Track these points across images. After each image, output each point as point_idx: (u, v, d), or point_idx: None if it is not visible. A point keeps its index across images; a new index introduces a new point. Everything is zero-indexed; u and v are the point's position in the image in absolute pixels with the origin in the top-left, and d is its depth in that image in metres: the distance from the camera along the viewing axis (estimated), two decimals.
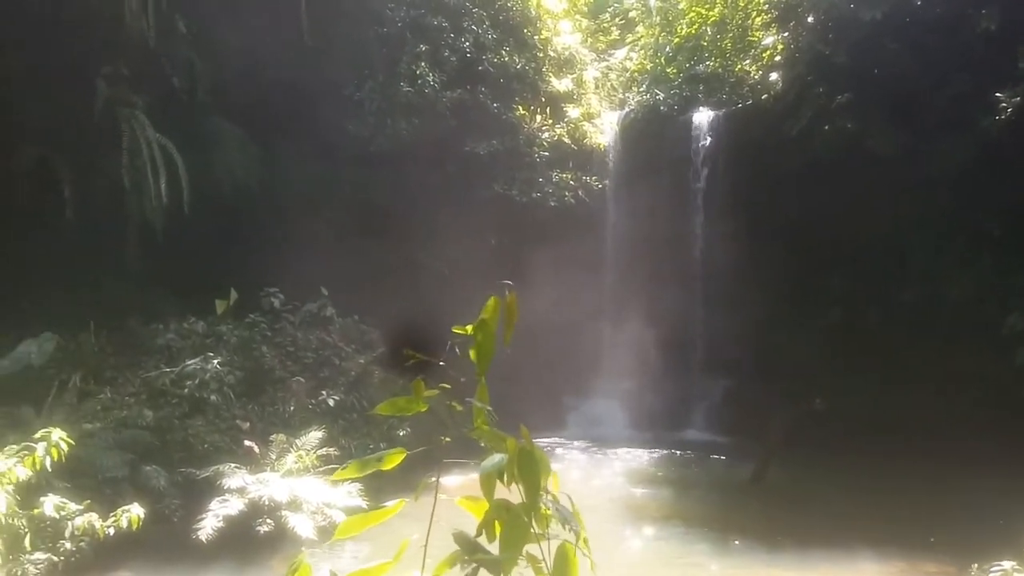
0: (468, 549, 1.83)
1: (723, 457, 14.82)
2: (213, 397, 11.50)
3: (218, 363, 12.06)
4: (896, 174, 14.63)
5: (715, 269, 17.53)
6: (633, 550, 9.55)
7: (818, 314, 16.14)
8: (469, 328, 2.08)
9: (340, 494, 9.31)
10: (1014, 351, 12.81)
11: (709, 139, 18.57)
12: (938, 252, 14.72)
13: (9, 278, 12.49)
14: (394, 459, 2.04)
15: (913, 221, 14.84)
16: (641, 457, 15.21)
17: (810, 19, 16.89)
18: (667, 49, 21.55)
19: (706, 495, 12.46)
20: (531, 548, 1.83)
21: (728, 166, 17.91)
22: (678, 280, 18.03)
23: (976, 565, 6.50)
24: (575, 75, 20.57)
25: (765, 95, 18.12)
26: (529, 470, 1.65)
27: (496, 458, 1.70)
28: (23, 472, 5.88)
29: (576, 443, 16.04)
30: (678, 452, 15.42)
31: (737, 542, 9.58)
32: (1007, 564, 5.33)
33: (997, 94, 13.54)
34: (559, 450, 15.72)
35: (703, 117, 18.89)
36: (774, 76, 18.05)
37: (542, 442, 15.87)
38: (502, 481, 1.84)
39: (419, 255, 17.20)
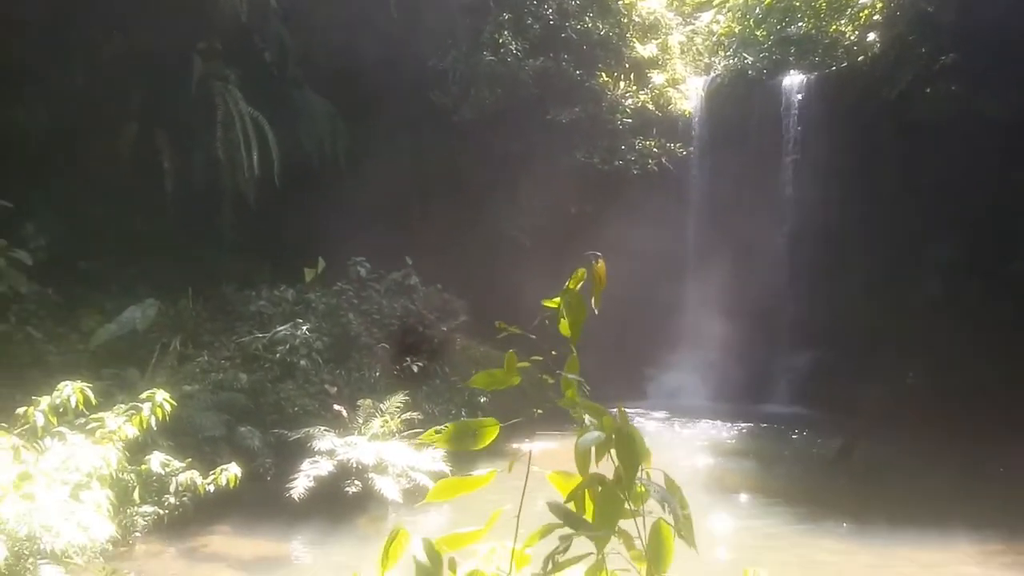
0: (566, 520, 1.84)
1: (808, 431, 14.45)
2: (303, 362, 11.90)
3: (307, 329, 12.45)
4: (1005, 138, 13.76)
5: (804, 238, 16.98)
6: (709, 522, 9.47)
7: (916, 285, 15.43)
8: (556, 302, 2.07)
9: (425, 458, 9.53)
10: None
11: (800, 104, 17.87)
12: None
13: (117, 249, 13.23)
14: (488, 435, 2.05)
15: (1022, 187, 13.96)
16: (722, 430, 14.99)
17: None
18: (756, 11, 20.73)
19: (791, 469, 12.20)
20: (625, 525, 1.83)
21: (820, 131, 17.19)
22: (765, 249, 17.53)
23: None
24: (660, 40, 20.05)
25: (861, 57, 17.28)
26: (628, 450, 1.65)
27: (593, 435, 1.70)
28: (131, 430, 6.24)
29: (656, 414, 15.93)
30: (761, 425, 15.12)
31: (814, 514, 9.36)
32: None
33: None
34: (638, 420, 15.63)
35: (794, 80, 18.18)
36: (871, 36, 17.18)
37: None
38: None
39: (501, 224, 17.26)
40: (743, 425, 15.16)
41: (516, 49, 17.63)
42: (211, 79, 14.27)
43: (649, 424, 15.45)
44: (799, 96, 17.93)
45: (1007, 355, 13.26)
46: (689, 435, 14.62)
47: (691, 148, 18.64)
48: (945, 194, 14.70)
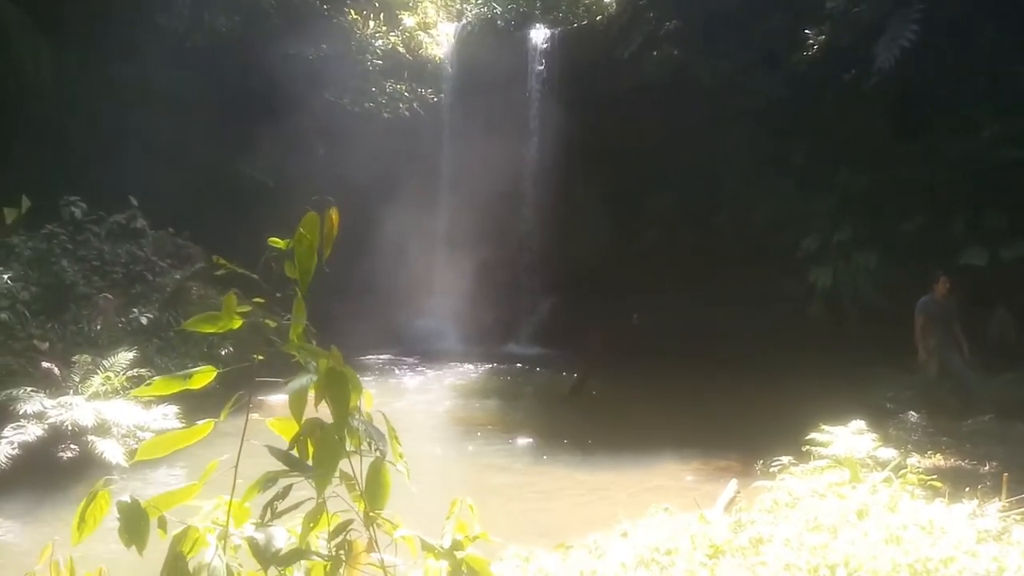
0: (287, 464, 1.76)
1: (547, 370, 15.51)
2: (4, 315, 10.40)
3: (9, 278, 10.88)
4: (714, 104, 15.38)
5: (547, 190, 17.89)
6: (454, 457, 9.87)
7: (638, 235, 17.01)
8: (283, 242, 1.95)
9: (155, 416, 8.83)
10: (807, 271, 14.21)
11: (545, 57, 18.60)
12: (747, 180, 15.82)
13: None
14: (203, 377, 1.91)
15: (728, 148, 15.78)
16: (470, 371, 15.60)
17: None
18: None
19: (529, 405, 13.05)
20: (346, 466, 1.80)
21: (562, 86, 18.08)
22: (512, 200, 18.24)
23: (761, 461, 7.28)
24: None
25: (600, 16, 18.31)
26: (338, 389, 1.60)
27: (304, 378, 1.62)
28: None
29: (407, 359, 16.17)
30: (506, 366, 15.96)
31: (553, 446, 10.14)
32: (785, 459, 5.99)
33: (806, 31, 14.49)
34: (391, 366, 15.78)
35: (540, 35, 18.85)
36: None
37: (374, 358, 15.85)
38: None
39: (240, 164, 16.18)
40: (490, 366, 15.89)
41: None
42: None
43: (401, 369, 15.63)
44: (544, 50, 18.65)
45: (714, 299, 15.13)
46: (438, 377, 15.02)
47: (443, 95, 18.71)
48: (665, 152, 16.21)
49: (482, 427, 11.25)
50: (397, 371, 15.46)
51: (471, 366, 15.83)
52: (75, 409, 8.61)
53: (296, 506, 1.81)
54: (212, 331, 1.99)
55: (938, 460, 8.21)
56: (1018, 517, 4.54)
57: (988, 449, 8.34)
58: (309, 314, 1.92)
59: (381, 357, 16.10)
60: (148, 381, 1.92)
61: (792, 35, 14.58)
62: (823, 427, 5.88)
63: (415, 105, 17.90)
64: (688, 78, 15.41)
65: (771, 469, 6.16)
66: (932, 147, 13.05)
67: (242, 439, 1.86)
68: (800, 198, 14.88)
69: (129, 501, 1.69)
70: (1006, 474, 5.37)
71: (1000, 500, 4.77)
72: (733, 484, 6.64)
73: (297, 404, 1.62)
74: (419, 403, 13.13)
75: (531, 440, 10.56)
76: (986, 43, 12.54)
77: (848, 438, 5.68)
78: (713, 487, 7.32)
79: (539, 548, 4.53)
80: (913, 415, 9.50)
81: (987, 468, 7.75)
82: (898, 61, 12.29)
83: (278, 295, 2.14)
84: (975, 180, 12.57)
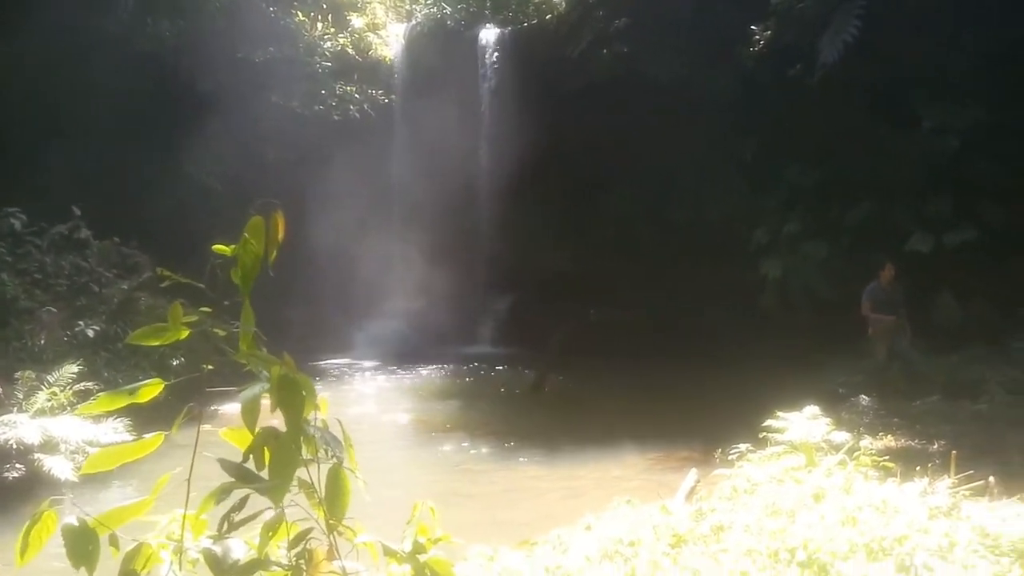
0: (240, 476, 1.73)
1: (507, 369, 15.51)
2: None
3: None
4: (668, 100, 15.50)
5: (502, 188, 17.85)
6: (416, 461, 9.81)
7: (596, 232, 17.11)
8: (229, 248, 1.91)
9: (105, 431, 8.58)
10: (758, 264, 14.46)
11: (496, 57, 18.59)
12: (701, 175, 16.03)
13: None
14: (150, 390, 1.85)
15: (681, 146, 15.95)
16: (429, 372, 15.53)
17: None
18: None
19: (491, 405, 13.02)
20: (304, 474, 1.76)
21: (514, 85, 18.07)
22: (467, 200, 18.19)
23: (720, 450, 7.38)
24: None
25: (549, 15, 18.36)
26: (291, 396, 1.57)
27: (257, 386, 1.59)
28: None
29: (365, 363, 16.03)
30: (465, 367, 15.91)
31: (515, 444, 10.14)
32: (743, 447, 6.09)
33: (752, 27, 14.73)
34: (348, 371, 15.62)
35: (490, 34, 18.83)
36: None
37: (331, 364, 15.68)
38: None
39: (188, 169, 15.84)
40: (449, 367, 15.83)
41: None
42: None
43: (359, 373, 15.49)
44: (495, 49, 18.63)
45: (672, 293, 15.30)
46: (397, 380, 14.92)
47: (393, 96, 18.58)
48: (620, 149, 16.34)
49: (444, 429, 11.19)
50: (355, 376, 15.32)
51: (430, 368, 15.75)
52: (19, 427, 8.33)
53: (254, 516, 1.77)
54: (159, 343, 1.94)
55: (889, 441, 8.43)
56: (967, 493, 4.68)
57: (936, 428, 8.59)
58: (262, 321, 1.88)
59: (339, 362, 15.94)
60: (94, 396, 1.86)
61: (739, 31, 14.80)
62: (778, 414, 5.98)
63: (366, 107, 17.74)
64: (639, 75, 15.54)
65: (730, 457, 6.25)
66: (877, 139, 13.39)
67: (194, 451, 1.81)
68: (751, 193, 15.14)
69: (76, 523, 1.63)
70: (954, 452, 5.52)
71: (949, 477, 4.91)
72: (693, 473, 6.72)
73: (250, 413, 1.59)
74: (379, 407, 13.03)
75: (493, 439, 10.54)
76: (925, 37, 12.89)
77: (803, 423, 5.78)
78: (675, 477, 7.39)
79: (504, 546, 4.52)
80: (864, 399, 9.74)
81: (936, 447, 7.98)
82: (842, 56, 12.59)
83: (226, 303, 2.09)
84: (918, 170, 12.92)
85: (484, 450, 10.17)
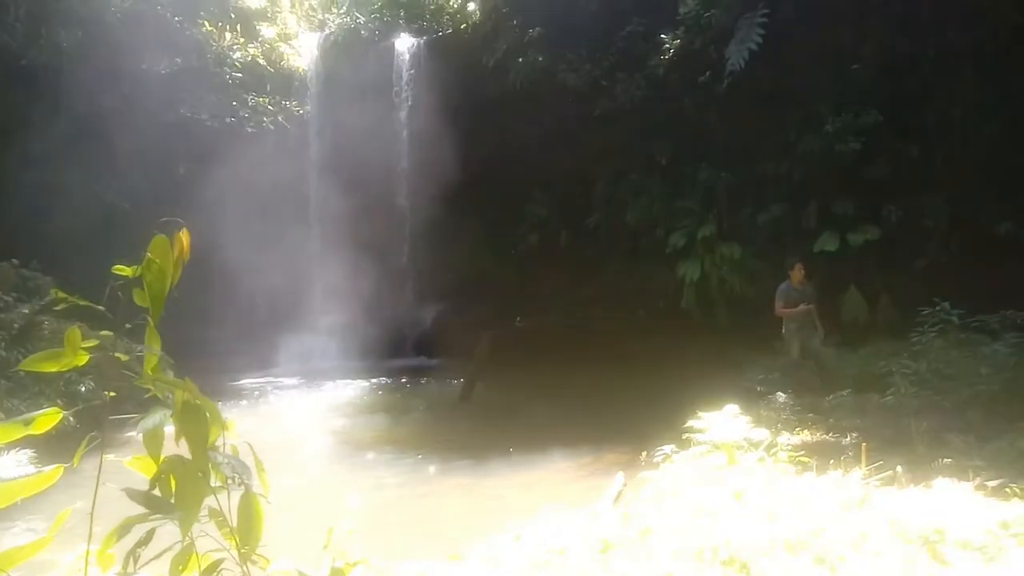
0: (147, 506, 1.65)
1: (434, 381, 15.39)
2: None
3: None
4: (583, 108, 15.80)
5: (422, 199, 17.75)
6: (342, 480, 9.58)
7: (518, 240, 17.22)
8: (131, 269, 1.83)
9: (7, 464, 8.08)
10: (675, 266, 14.81)
11: (412, 67, 18.51)
12: (618, 181, 16.33)
13: None
14: (47, 420, 1.75)
15: (597, 152, 16.23)
16: (355, 387, 15.26)
17: None
18: None
19: (418, 418, 12.88)
20: (214, 502, 1.70)
21: (432, 95, 18.02)
22: (386, 211, 18.02)
23: (645, 452, 7.49)
24: None
25: (464, 24, 18.43)
26: (194, 423, 1.50)
27: (158, 414, 1.52)
28: None
29: (288, 380, 15.63)
30: (391, 380, 15.71)
31: (444, 456, 10.06)
32: (668, 448, 6.19)
33: (663, 35, 15.12)
34: (270, 389, 15.21)
35: (405, 44, 18.75)
36: (472, 6, 18.40)
37: (253, 382, 15.24)
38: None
39: (93, 186, 15.17)
40: (375, 381, 15.60)
41: None
42: None
43: (281, 390, 15.09)
44: (411, 59, 18.56)
45: (593, 297, 15.52)
46: (321, 397, 14.60)
47: (308, 107, 18.27)
48: (538, 156, 16.50)
49: (369, 445, 11.00)
50: (277, 394, 14.92)
51: (355, 383, 15.48)
52: None
53: (165, 551, 1.70)
54: (56, 369, 1.84)
55: (805, 436, 8.72)
56: (877, 483, 4.88)
57: (849, 421, 8.93)
58: (179, 342, 1.81)
59: (260, 380, 15.51)
60: None
61: (650, 39, 15.18)
62: (700, 414, 6.11)
63: (280, 118, 17.40)
64: (555, 83, 15.74)
65: (655, 459, 6.34)
66: (784, 142, 13.92)
67: (97, 483, 1.73)
68: (667, 196, 15.51)
69: None
70: (864, 444, 5.76)
71: (861, 468, 5.11)
72: (620, 477, 6.79)
73: (152, 442, 1.51)
74: (301, 426, 12.71)
75: (421, 453, 10.42)
76: (827, 46, 13.48)
77: (723, 422, 5.91)
78: (604, 481, 7.45)
79: (434, 561, 4.45)
80: (781, 395, 10.04)
81: (848, 439, 8.29)
82: (748, 63, 13.05)
83: (128, 326, 2.00)
84: (823, 171, 13.49)
85: (413, 464, 10.04)
